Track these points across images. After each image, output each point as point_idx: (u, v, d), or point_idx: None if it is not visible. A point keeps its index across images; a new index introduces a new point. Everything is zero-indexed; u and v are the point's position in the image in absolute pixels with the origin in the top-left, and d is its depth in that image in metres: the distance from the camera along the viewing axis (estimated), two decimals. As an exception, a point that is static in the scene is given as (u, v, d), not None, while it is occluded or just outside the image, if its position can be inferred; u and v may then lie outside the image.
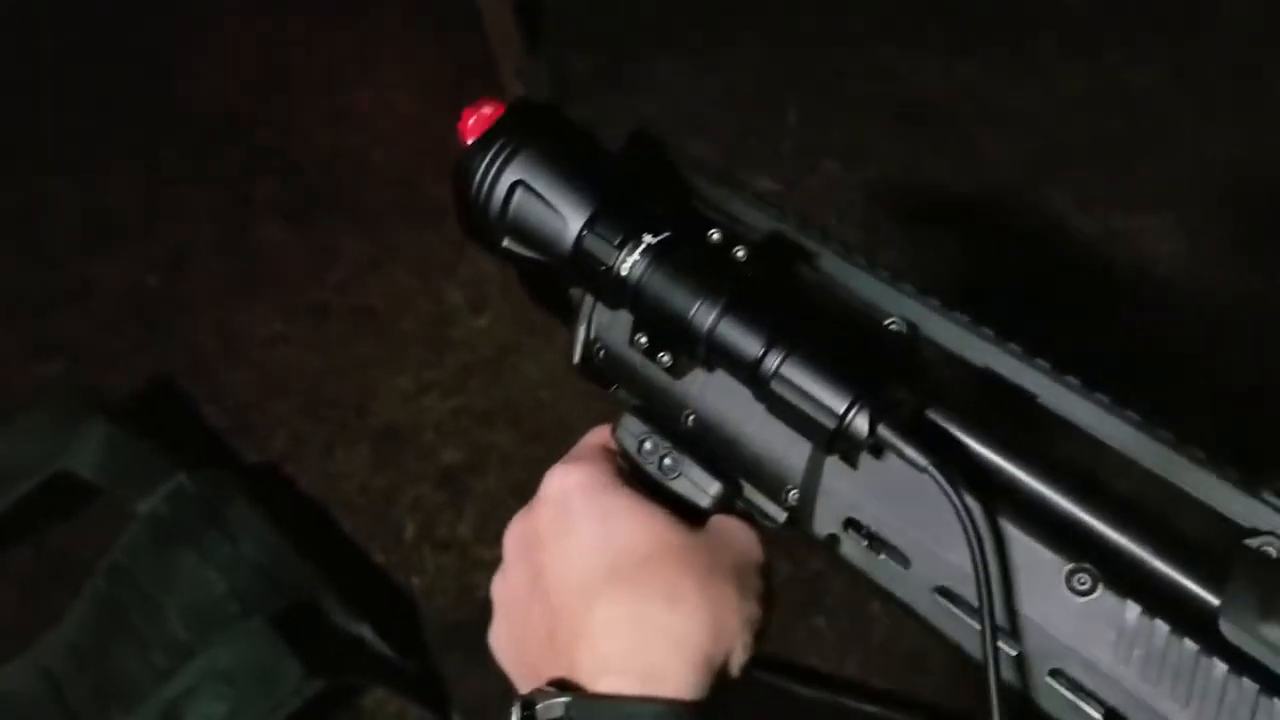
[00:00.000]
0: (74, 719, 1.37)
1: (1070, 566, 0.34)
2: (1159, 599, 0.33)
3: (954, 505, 0.34)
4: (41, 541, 1.71)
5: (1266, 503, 0.31)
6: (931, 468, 0.34)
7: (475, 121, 0.48)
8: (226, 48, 2.64)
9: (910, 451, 0.35)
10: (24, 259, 2.29)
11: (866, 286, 0.44)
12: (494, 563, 1.63)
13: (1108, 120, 2.03)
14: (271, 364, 1.98)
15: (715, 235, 0.40)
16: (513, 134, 0.43)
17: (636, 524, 0.38)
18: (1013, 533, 0.35)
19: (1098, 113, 2.05)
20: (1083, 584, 0.34)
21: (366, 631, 1.36)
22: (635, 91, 2.31)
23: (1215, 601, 0.31)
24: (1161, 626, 0.32)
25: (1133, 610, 0.32)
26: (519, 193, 0.41)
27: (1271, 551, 0.30)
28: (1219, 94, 2.03)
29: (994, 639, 0.32)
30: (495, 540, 1.64)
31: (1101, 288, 1.77)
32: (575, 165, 0.42)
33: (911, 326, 0.42)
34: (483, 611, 1.66)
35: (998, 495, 0.36)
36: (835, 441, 0.36)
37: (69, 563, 1.65)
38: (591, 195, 0.41)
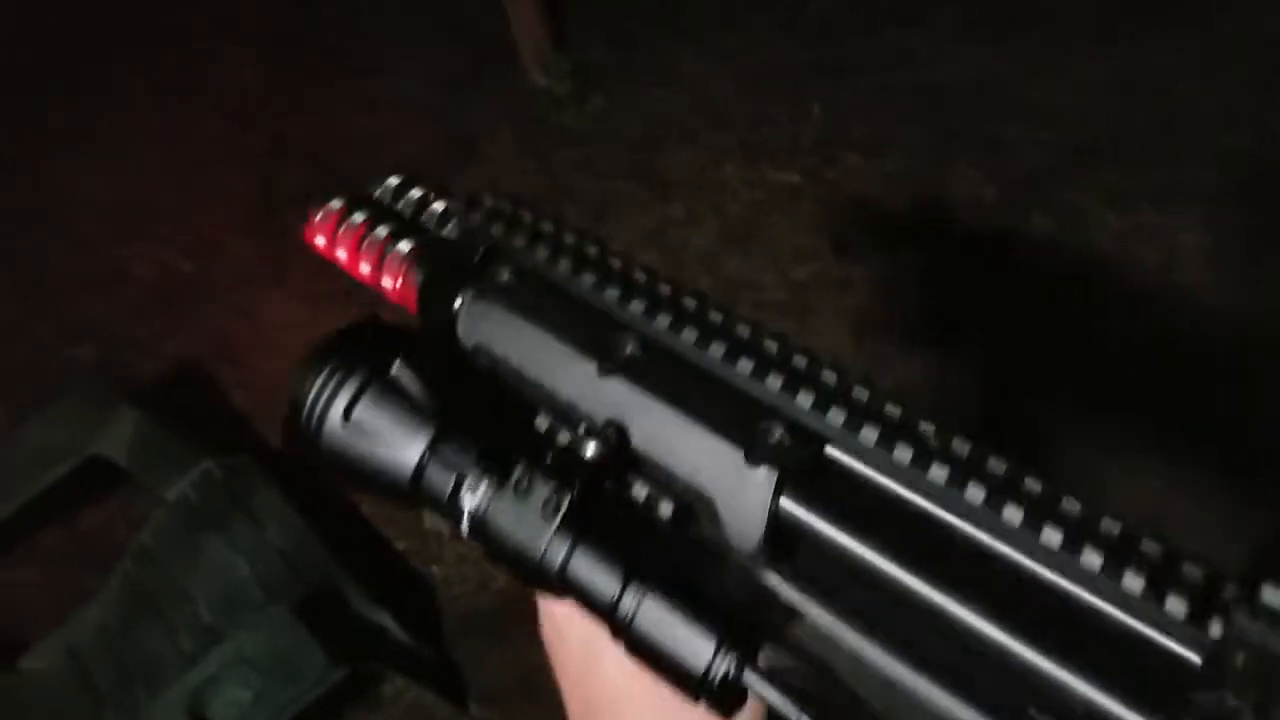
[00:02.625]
0: (99, 699, 1.41)
1: None
2: None
3: None
4: (72, 524, 1.75)
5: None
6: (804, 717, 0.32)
7: (321, 219, 0.48)
8: (256, 36, 2.66)
9: (779, 700, 0.32)
10: (57, 245, 2.33)
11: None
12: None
13: (1132, 112, 2.02)
14: (297, 350, 1.99)
15: (569, 459, 0.37)
16: (359, 341, 0.40)
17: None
18: None
19: (1121, 104, 2.04)
20: None
21: (387, 619, 1.39)
22: (654, 82, 2.31)
23: None
24: None
25: None
26: (364, 398, 0.39)
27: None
28: (1241, 85, 2.01)
29: None
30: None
31: (1129, 283, 1.77)
32: (422, 381, 0.39)
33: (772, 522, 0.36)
34: (500, 602, 1.70)
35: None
36: (701, 688, 0.33)
37: (98, 546, 1.69)
38: (435, 415, 0.38)
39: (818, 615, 0.35)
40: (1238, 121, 1.94)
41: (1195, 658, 0.28)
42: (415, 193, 0.48)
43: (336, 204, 0.48)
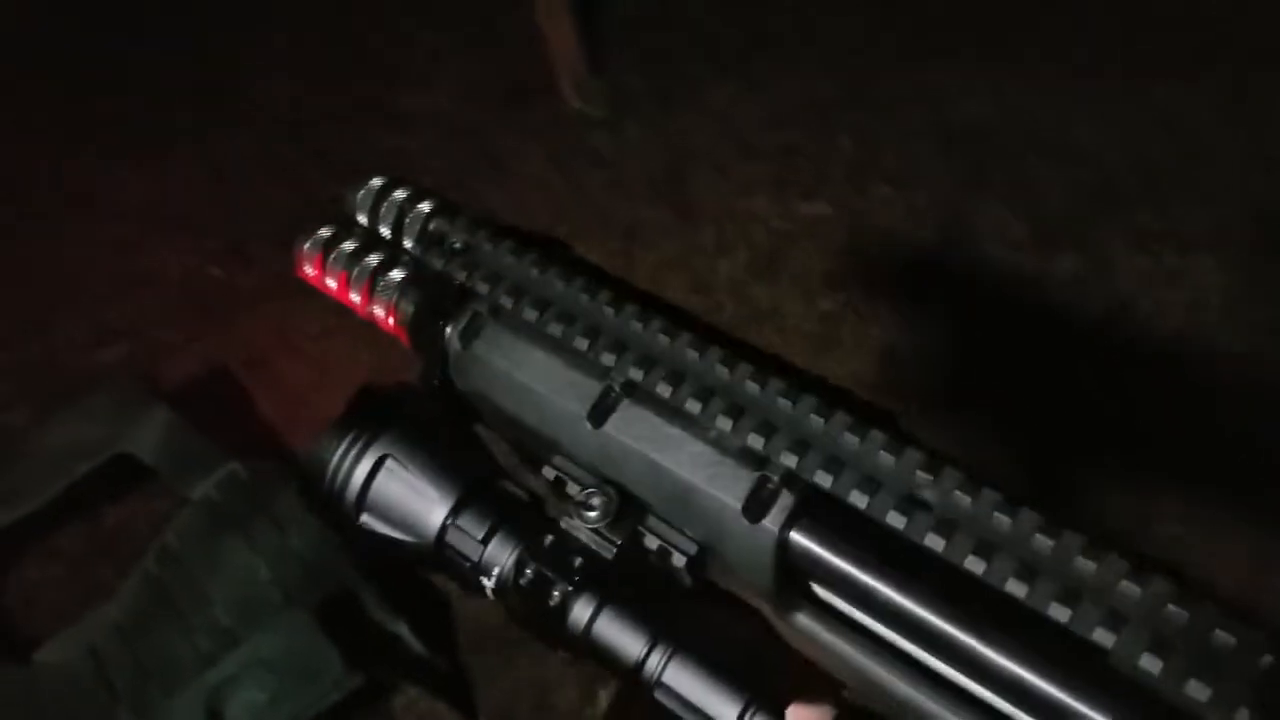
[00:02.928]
0: (115, 696, 1.42)
1: None
2: None
3: None
4: (95, 521, 1.77)
5: None
6: None
7: (309, 248, 0.47)
8: (292, 47, 2.71)
9: None
10: (88, 245, 2.36)
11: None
12: (530, 569, 1.63)
13: (1159, 152, 2.03)
14: (324, 358, 2.03)
15: (576, 518, 0.37)
16: (370, 416, 0.41)
17: None
18: None
19: (1151, 145, 2.05)
20: None
21: (403, 629, 1.40)
22: (688, 109, 2.33)
23: None
24: None
25: None
26: (383, 470, 0.39)
27: None
28: (1272, 129, 2.02)
29: None
30: (532, 547, 1.64)
31: (1154, 325, 1.77)
32: (435, 447, 0.40)
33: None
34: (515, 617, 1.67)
35: None
36: None
37: (120, 543, 1.71)
38: (455, 482, 0.39)
39: (841, 650, 0.35)
40: (1268, 166, 1.94)
41: None
42: (399, 194, 0.47)
43: (325, 232, 0.48)
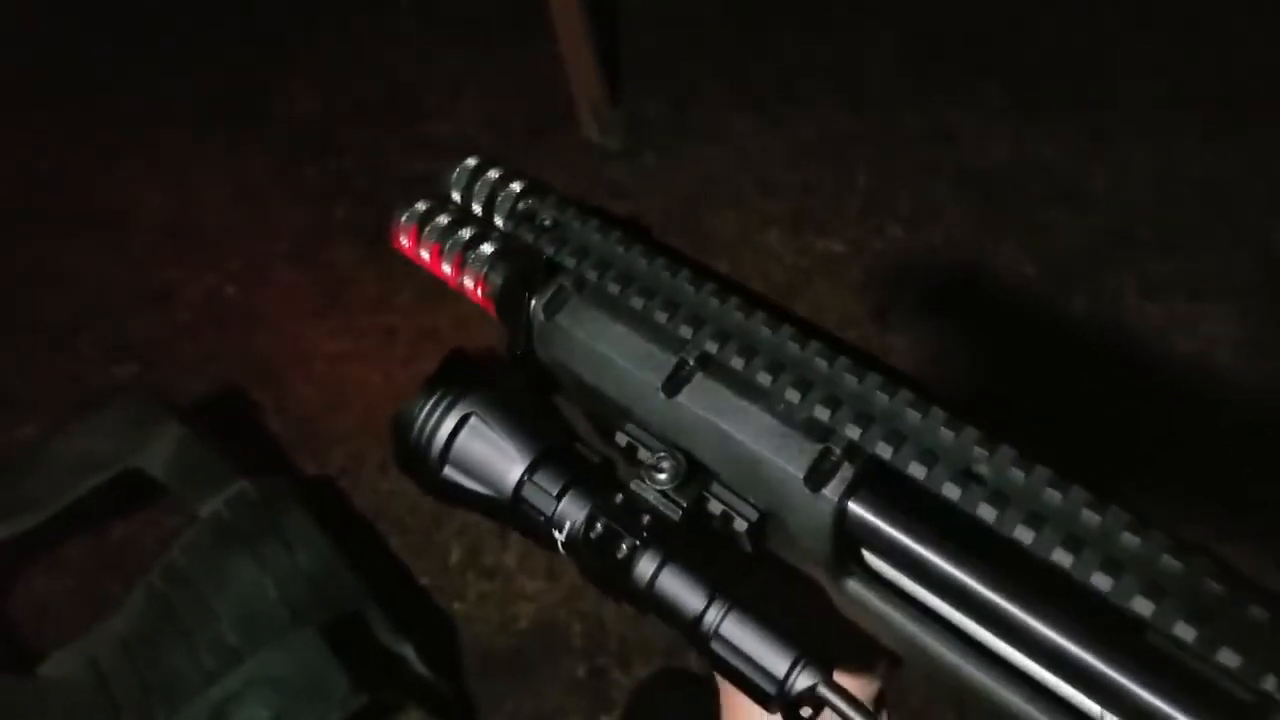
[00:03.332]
0: (117, 712, 1.42)
1: None
2: None
3: None
4: (103, 535, 1.77)
5: None
6: None
7: (406, 220, 0.49)
8: (318, 72, 2.74)
9: (849, 711, 0.34)
10: (106, 260, 2.39)
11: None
12: (536, 594, 1.66)
13: (1177, 204, 2.03)
14: (336, 381, 2.04)
15: (645, 480, 0.39)
16: (458, 377, 0.43)
17: None
18: None
19: (1167, 195, 2.06)
20: None
21: (409, 651, 1.40)
22: (706, 143, 2.35)
23: None
24: None
25: None
26: (467, 426, 0.41)
27: None
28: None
29: None
30: (538, 572, 1.68)
31: (1160, 373, 1.77)
32: (517, 409, 0.42)
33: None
34: (520, 643, 1.70)
35: None
36: (775, 701, 0.35)
37: (127, 557, 1.72)
38: (533, 442, 0.41)
39: (892, 619, 0.37)
40: (1282, 219, 1.95)
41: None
42: (492, 174, 0.49)
43: (422, 206, 0.50)
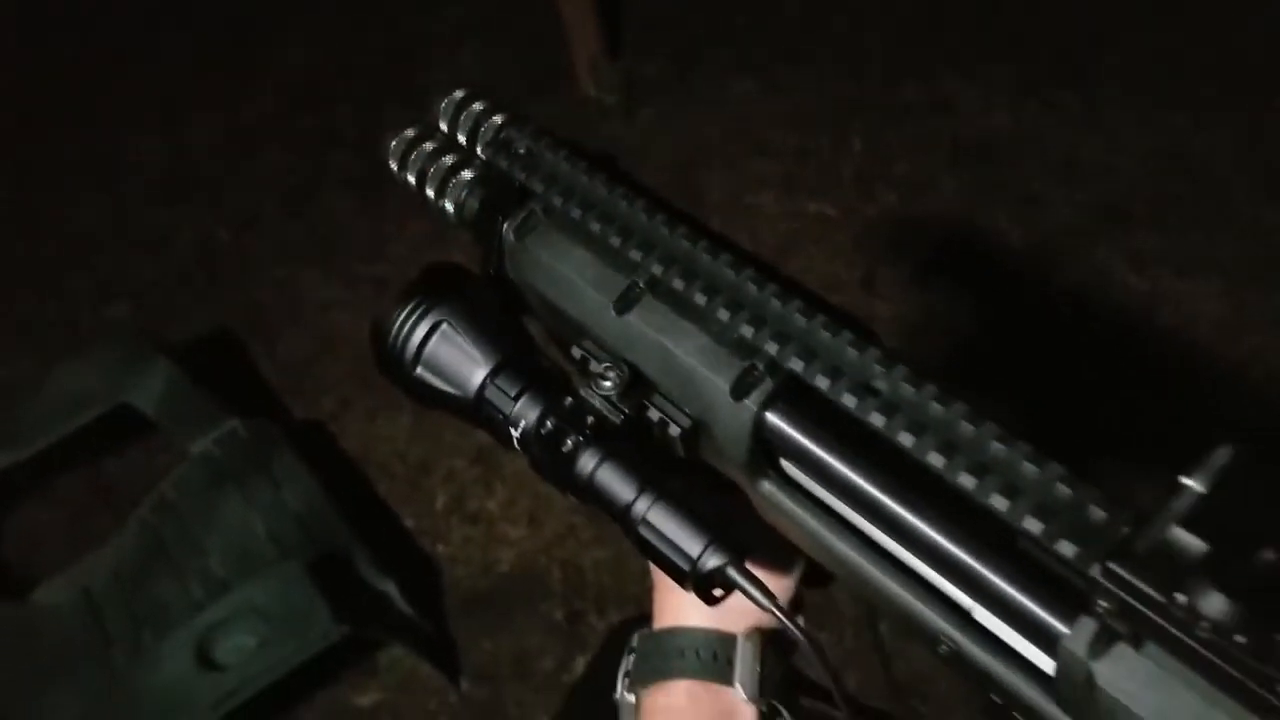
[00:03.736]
0: (108, 638, 1.45)
1: (934, 632, 0.38)
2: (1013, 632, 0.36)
3: (796, 635, 0.41)
4: (94, 470, 1.80)
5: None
6: (774, 607, 0.39)
7: (396, 145, 0.53)
8: (317, 22, 2.74)
9: (758, 595, 0.39)
10: (102, 204, 2.40)
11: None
12: (518, 540, 1.69)
13: (1168, 180, 2.05)
14: (327, 328, 2.05)
15: (593, 388, 0.44)
16: (434, 287, 0.47)
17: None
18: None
19: (1159, 172, 2.07)
20: (944, 651, 0.38)
21: (391, 589, 1.43)
22: (704, 103, 2.36)
23: (1064, 631, 0.33)
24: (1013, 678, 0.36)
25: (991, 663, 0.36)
26: (439, 333, 0.46)
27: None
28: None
29: None
30: (521, 519, 1.71)
31: (1144, 346, 1.79)
32: (485, 319, 0.47)
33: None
34: (501, 585, 1.73)
35: None
36: (689, 579, 0.40)
37: (119, 492, 1.74)
38: (496, 349, 0.46)
39: (798, 515, 0.41)
40: (1275, 201, 1.97)
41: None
42: (477, 106, 0.52)
43: (410, 133, 0.54)
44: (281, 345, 2.03)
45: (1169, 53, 2.25)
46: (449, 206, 0.52)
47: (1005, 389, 1.74)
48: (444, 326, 0.46)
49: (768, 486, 0.43)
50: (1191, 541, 0.28)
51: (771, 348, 0.40)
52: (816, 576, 0.51)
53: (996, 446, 0.35)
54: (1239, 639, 0.27)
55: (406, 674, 1.45)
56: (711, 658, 0.49)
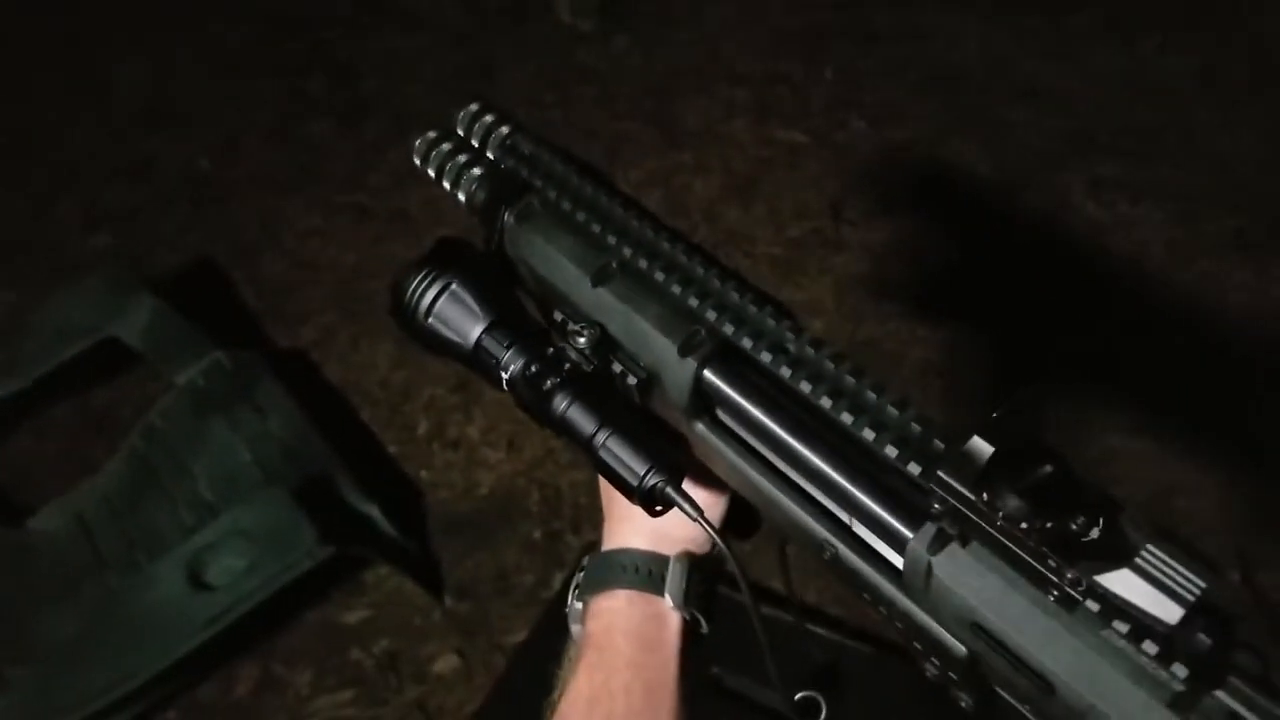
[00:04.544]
0: (102, 561, 1.52)
1: (820, 541, 0.48)
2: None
3: (722, 549, 0.51)
4: (84, 401, 1.85)
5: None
6: (700, 519, 0.49)
7: (419, 144, 0.64)
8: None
9: (688, 508, 0.49)
10: (89, 132, 2.40)
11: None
12: (497, 464, 1.75)
13: (1133, 108, 2.08)
14: (308, 256, 2.09)
15: (569, 344, 0.54)
16: (446, 256, 0.57)
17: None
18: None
19: (1125, 99, 2.10)
20: (828, 557, 0.48)
21: (375, 511, 1.49)
22: (678, 27, 2.36)
23: (908, 534, 0.43)
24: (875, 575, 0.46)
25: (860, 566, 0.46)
26: (448, 292, 0.56)
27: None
28: (1244, 96, 2.08)
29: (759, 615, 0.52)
30: (500, 444, 1.78)
31: (1097, 272, 1.85)
32: (485, 284, 0.57)
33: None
34: (481, 507, 1.80)
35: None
36: (635, 493, 0.50)
37: (108, 422, 1.80)
38: (493, 308, 0.56)
39: (723, 451, 0.52)
40: (1235, 128, 2.00)
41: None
42: (487, 118, 0.63)
43: (431, 134, 0.65)
44: (263, 273, 2.06)
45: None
46: (461, 196, 0.63)
47: (967, 312, 1.79)
48: (453, 287, 0.56)
49: (701, 428, 0.53)
50: (986, 449, 0.37)
51: (711, 315, 0.51)
52: (742, 529, 0.61)
53: (869, 394, 0.45)
54: (1024, 526, 0.36)
55: (392, 591, 1.52)
56: (648, 573, 0.60)
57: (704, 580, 0.60)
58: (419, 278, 0.56)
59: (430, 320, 0.55)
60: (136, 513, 1.55)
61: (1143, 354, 1.68)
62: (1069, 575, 0.35)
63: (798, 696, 0.62)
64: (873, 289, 1.83)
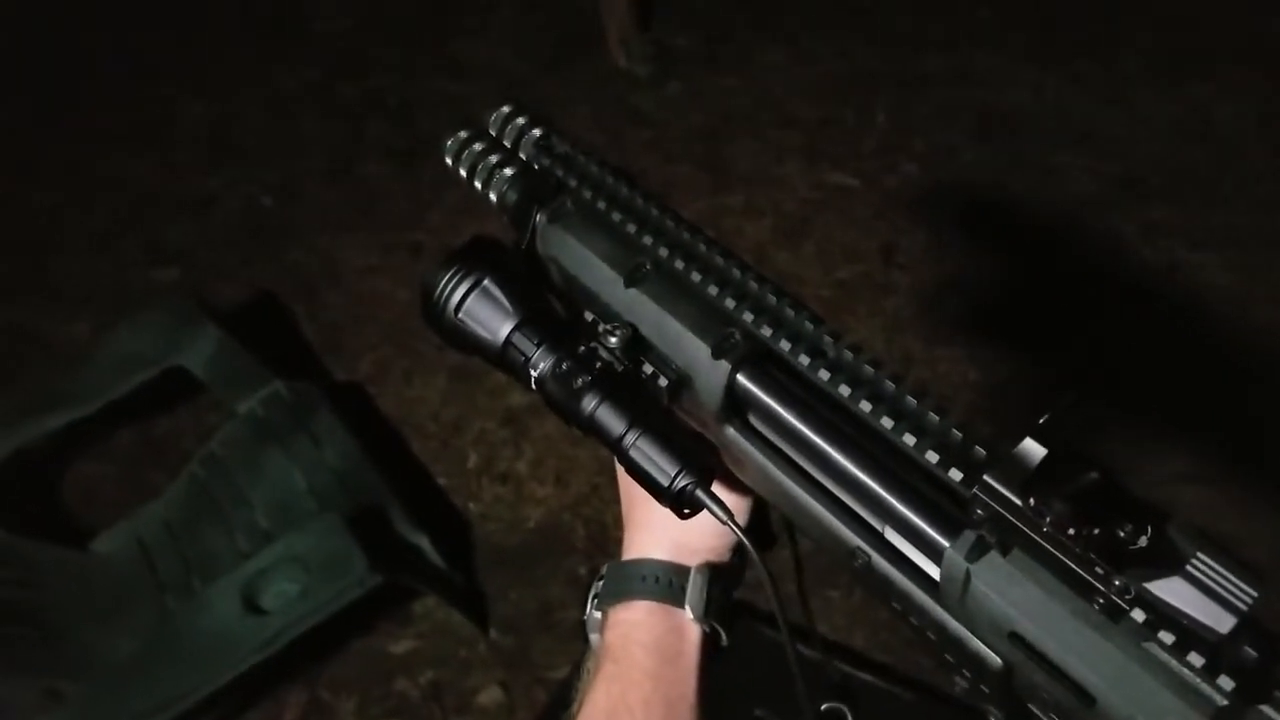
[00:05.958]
0: (160, 584, 1.56)
1: (851, 549, 0.47)
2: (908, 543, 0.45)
3: (748, 550, 0.50)
4: (147, 428, 1.90)
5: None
6: (730, 522, 0.48)
7: (451, 143, 0.64)
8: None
9: (718, 511, 0.48)
10: (154, 170, 2.49)
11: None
12: (544, 499, 1.77)
13: (1187, 152, 2.07)
14: (365, 292, 2.14)
15: (600, 344, 0.53)
16: (476, 254, 0.56)
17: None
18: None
19: (1179, 143, 2.09)
20: (859, 564, 0.47)
21: (424, 542, 1.52)
22: (730, 72, 2.40)
23: (945, 544, 0.42)
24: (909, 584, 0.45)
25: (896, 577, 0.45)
26: (479, 289, 0.55)
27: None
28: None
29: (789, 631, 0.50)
30: (548, 479, 1.80)
31: (1153, 319, 1.83)
32: (516, 282, 0.56)
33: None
34: (529, 541, 1.82)
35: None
36: (665, 495, 0.49)
37: (169, 449, 1.84)
38: (524, 305, 0.55)
39: (754, 456, 0.51)
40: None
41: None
42: (520, 120, 0.63)
43: (464, 134, 0.65)
44: (321, 308, 2.11)
45: (1192, 21, 2.26)
46: (492, 196, 0.62)
47: (1018, 358, 1.79)
48: (485, 282, 0.55)
49: (732, 432, 0.52)
50: (1039, 451, 0.36)
51: (748, 318, 0.50)
52: (762, 541, 0.61)
53: (909, 400, 0.44)
54: (1071, 532, 0.35)
55: (438, 624, 1.54)
56: (668, 584, 0.59)
57: (724, 592, 0.59)
58: (449, 274, 0.55)
59: (460, 317, 0.54)
60: (194, 537, 1.59)
61: (1202, 401, 1.65)
62: (1117, 583, 0.34)
63: (824, 707, 0.61)
64: (922, 333, 1.83)
